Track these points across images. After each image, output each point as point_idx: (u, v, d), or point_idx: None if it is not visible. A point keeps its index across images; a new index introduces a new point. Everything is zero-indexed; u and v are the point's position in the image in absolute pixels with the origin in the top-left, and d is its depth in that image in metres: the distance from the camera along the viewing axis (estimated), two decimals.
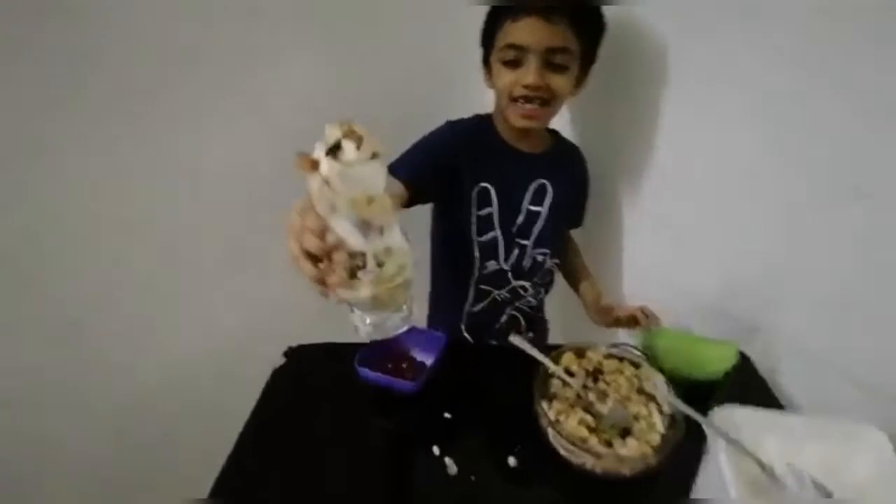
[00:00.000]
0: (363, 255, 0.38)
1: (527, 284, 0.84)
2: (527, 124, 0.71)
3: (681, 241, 0.80)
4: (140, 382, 0.88)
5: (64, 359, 0.81)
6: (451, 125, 0.75)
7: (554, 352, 0.63)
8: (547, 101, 0.69)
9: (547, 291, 0.91)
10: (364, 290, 0.38)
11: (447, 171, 0.72)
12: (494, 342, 0.85)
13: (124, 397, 0.88)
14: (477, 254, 0.78)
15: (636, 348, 0.66)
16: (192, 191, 0.82)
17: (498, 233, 0.77)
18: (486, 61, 0.73)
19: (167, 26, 0.73)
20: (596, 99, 0.84)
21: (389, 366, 0.65)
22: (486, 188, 0.75)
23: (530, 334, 0.90)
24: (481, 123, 0.78)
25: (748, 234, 0.70)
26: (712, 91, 0.70)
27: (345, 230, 0.37)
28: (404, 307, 0.44)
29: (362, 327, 0.44)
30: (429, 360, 0.66)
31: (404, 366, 0.66)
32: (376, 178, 0.37)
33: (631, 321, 0.76)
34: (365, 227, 0.38)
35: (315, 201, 0.37)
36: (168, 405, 0.91)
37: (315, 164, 0.36)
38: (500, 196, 0.76)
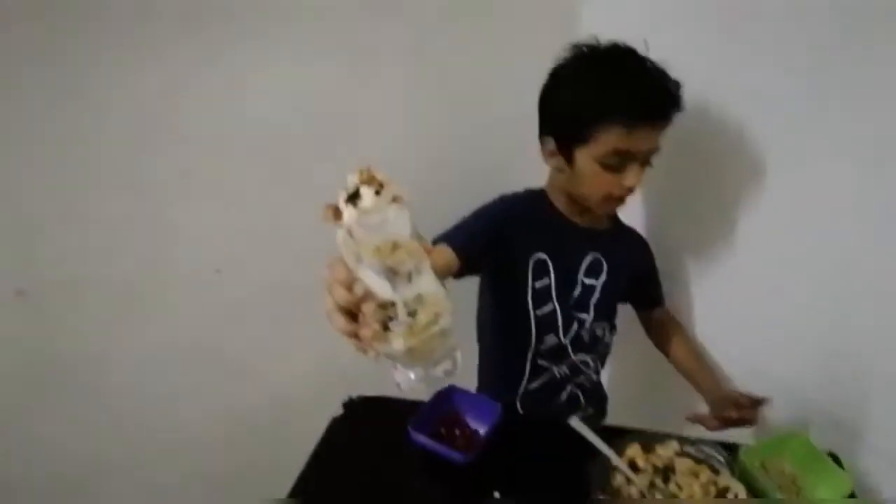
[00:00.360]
0: (394, 305, 0.36)
1: (588, 358, 0.80)
2: (612, 212, 0.77)
3: (759, 331, 0.74)
4: (218, 413, 0.95)
5: (147, 391, 0.89)
6: (503, 198, 0.75)
7: (619, 440, 0.58)
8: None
9: (603, 364, 0.86)
10: (397, 343, 0.36)
11: (500, 241, 0.71)
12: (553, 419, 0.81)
13: (200, 427, 0.95)
14: (534, 328, 0.76)
15: (717, 447, 0.59)
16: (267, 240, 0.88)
17: (556, 305, 0.75)
18: (566, 147, 0.69)
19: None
20: (669, 180, 0.82)
21: (443, 430, 0.64)
22: (543, 259, 0.74)
23: (590, 410, 0.84)
24: (534, 197, 0.77)
25: (835, 329, 0.64)
26: (792, 173, 0.66)
27: (371, 280, 0.35)
28: (447, 358, 0.41)
29: (404, 382, 0.41)
30: (482, 429, 0.64)
31: (457, 432, 0.64)
32: (399, 223, 0.36)
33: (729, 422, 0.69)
34: (392, 275, 0.36)
35: (343, 252, 0.36)
36: (229, 439, 0.96)
37: (338, 214, 0.35)
38: (557, 267, 0.74)
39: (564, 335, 0.77)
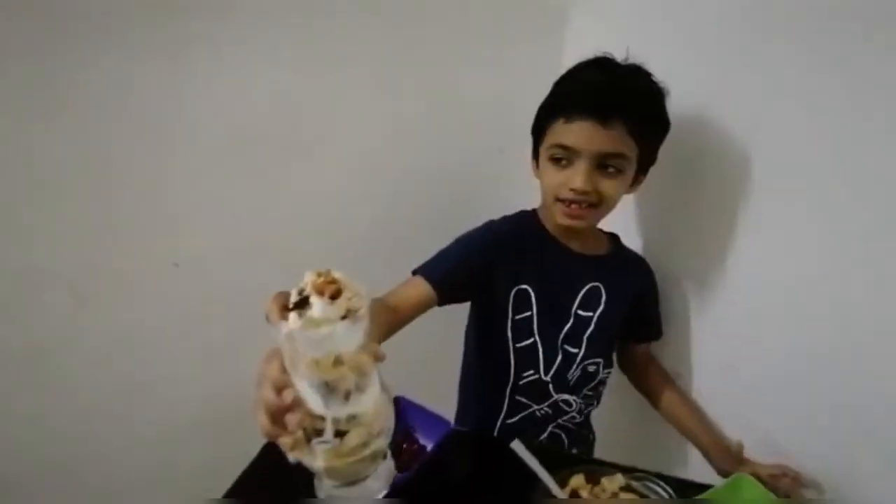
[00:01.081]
0: (324, 419, 0.33)
1: (571, 399, 0.75)
2: (572, 223, 0.67)
3: (756, 371, 0.69)
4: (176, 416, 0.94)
5: (105, 383, 0.88)
6: (489, 226, 0.72)
7: (565, 469, 0.57)
8: (595, 203, 0.65)
9: (598, 404, 0.81)
10: (319, 460, 0.33)
11: (483, 272, 0.69)
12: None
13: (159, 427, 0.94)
14: (512, 361, 0.72)
15: (663, 485, 0.57)
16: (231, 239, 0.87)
17: (537, 339, 0.72)
18: (536, 153, 0.70)
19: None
20: (663, 200, 0.79)
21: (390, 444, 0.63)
22: (525, 290, 0.70)
23: (574, 451, 0.80)
24: (526, 221, 0.74)
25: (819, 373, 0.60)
26: (795, 196, 0.61)
27: (304, 390, 0.32)
28: (378, 475, 0.39)
29: (320, 492, 0.40)
30: (430, 445, 0.63)
31: (404, 446, 0.63)
32: (347, 338, 0.32)
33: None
34: (328, 391, 0.32)
35: (282, 352, 0.32)
36: (175, 441, 0.96)
37: (285, 311, 0.32)
38: (542, 299, 0.70)
39: (546, 371, 0.73)
